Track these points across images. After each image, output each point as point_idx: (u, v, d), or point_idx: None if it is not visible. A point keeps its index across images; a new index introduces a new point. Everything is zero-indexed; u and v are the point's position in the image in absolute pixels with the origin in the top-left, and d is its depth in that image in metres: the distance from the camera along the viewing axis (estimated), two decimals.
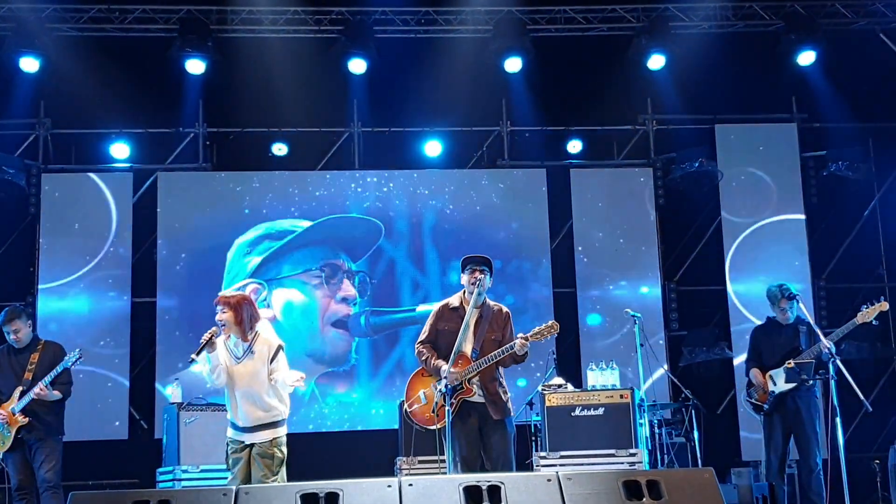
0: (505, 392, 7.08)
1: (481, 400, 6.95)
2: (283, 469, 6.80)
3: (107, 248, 12.55)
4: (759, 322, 9.02)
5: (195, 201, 12.79)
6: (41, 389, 7.73)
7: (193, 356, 6.59)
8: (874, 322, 8.18)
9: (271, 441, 6.74)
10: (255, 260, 12.66)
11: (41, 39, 11.83)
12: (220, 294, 6.92)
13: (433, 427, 7.07)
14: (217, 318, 6.71)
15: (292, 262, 12.72)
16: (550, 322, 6.98)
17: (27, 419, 7.80)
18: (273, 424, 6.78)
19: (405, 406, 7.35)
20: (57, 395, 7.90)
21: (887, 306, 8.07)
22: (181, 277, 12.54)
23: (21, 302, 11.60)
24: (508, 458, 6.94)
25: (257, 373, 6.73)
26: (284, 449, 6.82)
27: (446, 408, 6.76)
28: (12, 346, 8.02)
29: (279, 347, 6.83)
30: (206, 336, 6.60)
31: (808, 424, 8.21)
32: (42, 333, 9.58)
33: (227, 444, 6.89)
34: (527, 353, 6.90)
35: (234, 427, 6.84)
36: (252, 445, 6.75)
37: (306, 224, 12.86)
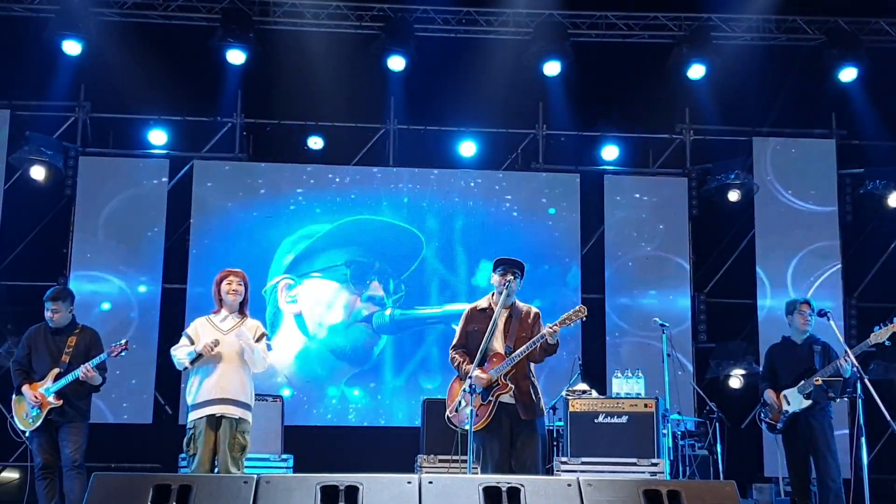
0: (537, 392, 7.06)
1: (512, 401, 6.93)
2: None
3: (140, 234, 12.63)
4: None
5: (230, 190, 12.85)
6: (89, 370, 7.78)
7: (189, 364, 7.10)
8: (887, 343, 8.13)
9: (238, 420, 6.98)
10: (291, 256, 12.72)
11: (85, 23, 11.92)
12: (236, 269, 7.36)
13: (475, 429, 7.03)
14: (234, 288, 7.20)
15: (323, 259, 12.75)
16: (578, 307, 6.99)
17: (60, 401, 7.86)
18: (245, 406, 7.08)
19: (447, 413, 7.30)
20: (99, 379, 7.97)
21: None
22: (212, 265, 12.52)
23: (53, 283, 11.70)
24: (535, 461, 6.88)
25: (242, 347, 7.10)
26: (248, 438, 7.09)
27: (469, 408, 6.75)
28: (49, 326, 8.09)
29: (265, 334, 7.27)
30: (207, 349, 7.03)
31: (822, 443, 8.14)
32: None
33: (191, 429, 7.04)
34: (557, 342, 6.90)
35: (200, 405, 6.99)
36: (220, 424, 6.92)
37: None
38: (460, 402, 7.06)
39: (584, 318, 7.05)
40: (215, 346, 7.04)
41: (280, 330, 12.48)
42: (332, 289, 12.68)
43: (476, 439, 6.85)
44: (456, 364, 7.18)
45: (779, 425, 8.37)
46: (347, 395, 12.51)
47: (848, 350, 7.90)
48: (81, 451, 7.93)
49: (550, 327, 6.82)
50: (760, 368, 9.25)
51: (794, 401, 8.24)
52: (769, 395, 8.43)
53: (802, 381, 8.20)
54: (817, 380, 8.06)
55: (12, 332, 11.59)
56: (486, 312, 7.15)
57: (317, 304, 12.65)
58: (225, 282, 7.24)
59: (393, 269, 12.80)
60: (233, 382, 7.03)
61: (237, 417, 7.01)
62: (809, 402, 8.15)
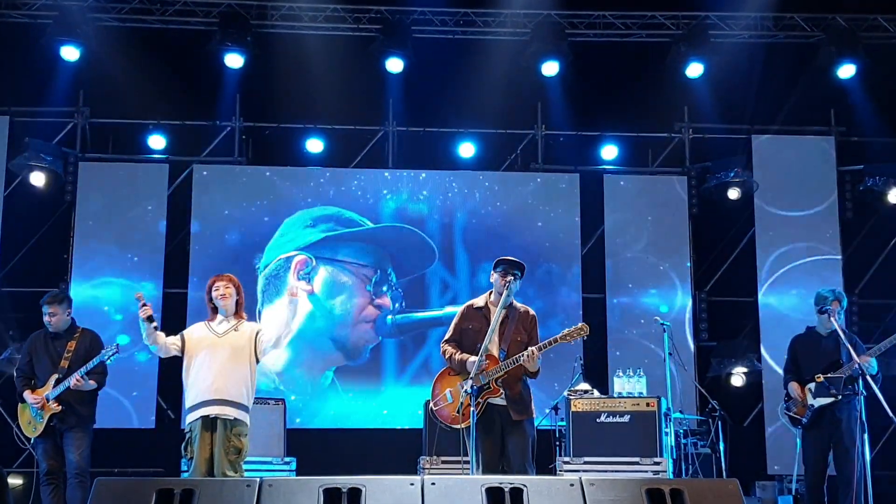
0: (529, 394, 7.08)
1: (503, 402, 6.95)
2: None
3: (140, 238, 12.62)
4: (795, 333, 8.69)
5: (229, 194, 12.85)
6: (77, 380, 7.77)
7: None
8: None
9: (234, 422, 6.92)
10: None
11: (83, 28, 11.94)
12: (224, 274, 7.36)
13: (458, 426, 7.05)
14: (222, 293, 7.20)
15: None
16: (580, 324, 6.94)
17: (60, 407, 7.85)
18: (241, 407, 7.01)
19: (431, 405, 7.34)
20: (93, 384, 7.95)
21: None
22: (213, 269, 12.52)
23: (54, 288, 11.69)
24: (527, 461, 6.90)
25: (241, 348, 7.09)
26: (245, 441, 7.01)
27: (471, 409, 6.75)
28: (48, 331, 8.10)
29: (259, 331, 7.23)
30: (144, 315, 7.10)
31: (847, 438, 7.90)
32: None
33: (188, 432, 7.03)
34: (539, 370, 6.90)
35: (195, 407, 6.97)
36: (215, 425, 6.90)
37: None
38: (448, 395, 7.09)
39: (586, 337, 6.99)
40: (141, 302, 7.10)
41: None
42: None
43: (466, 437, 6.86)
44: (448, 355, 7.18)
45: (804, 420, 8.15)
46: (350, 397, 12.50)
47: (858, 350, 7.83)
48: (86, 456, 7.93)
49: (533, 349, 6.80)
50: (784, 360, 8.92)
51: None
52: (794, 388, 8.23)
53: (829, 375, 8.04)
54: (818, 377, 7.97)
55: (14, 338, 11.61)
56: (482, 311, 7.17)
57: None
58: (213, 289, 7.23)
59: (399, 273, 12.78)
60: (228, 383, 6.96)
61: (232, 418, 6.92)
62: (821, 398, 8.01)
